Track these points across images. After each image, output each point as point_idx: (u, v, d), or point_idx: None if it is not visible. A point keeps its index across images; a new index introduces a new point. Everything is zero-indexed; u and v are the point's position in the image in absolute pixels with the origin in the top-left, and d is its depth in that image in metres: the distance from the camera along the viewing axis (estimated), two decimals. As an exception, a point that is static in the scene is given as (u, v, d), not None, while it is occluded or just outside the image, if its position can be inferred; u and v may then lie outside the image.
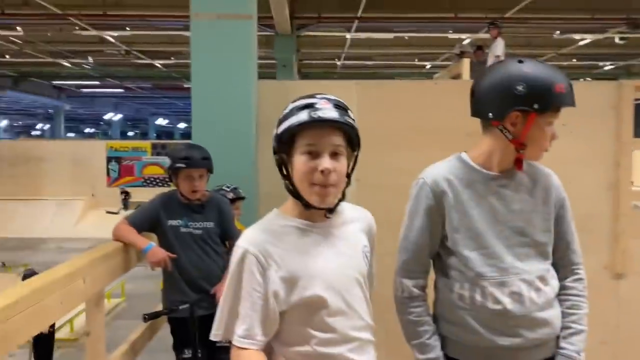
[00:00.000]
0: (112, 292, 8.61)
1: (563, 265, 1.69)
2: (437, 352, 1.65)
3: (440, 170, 1.66)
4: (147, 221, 2.79)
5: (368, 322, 1.44)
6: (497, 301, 1.57)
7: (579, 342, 1.64)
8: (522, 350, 1.59)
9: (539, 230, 1.63)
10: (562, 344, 1.64)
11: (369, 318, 1.45)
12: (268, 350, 1.40)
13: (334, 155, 1.35)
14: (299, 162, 1.35)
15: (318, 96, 1.36)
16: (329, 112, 1.33)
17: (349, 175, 1.41)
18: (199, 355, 2.72)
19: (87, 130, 45.75)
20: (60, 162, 17.34)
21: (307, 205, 1.37)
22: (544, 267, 1.64)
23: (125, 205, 16.33)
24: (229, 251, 2.87)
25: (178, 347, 2.84)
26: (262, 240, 1.37)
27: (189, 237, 2.79)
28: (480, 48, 10.21)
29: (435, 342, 1.66)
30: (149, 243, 2.68)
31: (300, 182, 1.36)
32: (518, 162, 1.61)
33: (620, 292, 3.57)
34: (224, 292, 1.40)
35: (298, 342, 1.37)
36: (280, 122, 1.37)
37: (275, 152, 1.40)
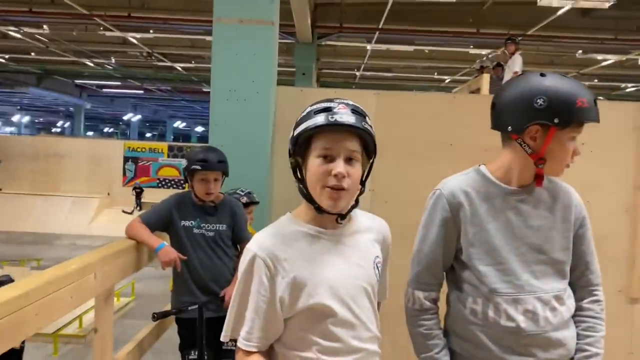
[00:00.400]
0: (122, 291, 8.67)
1: (581, 285, 1.66)
2: (447, 366, 1.62)
3: (458, 182, 1.63)
4: (161, 220, 2.80)
5: (375, 333, 1.42)
6: (510, 318, 1.54)
7: None
8: (534, 370, 1.55)
9: (557, 248, 1.60)
10: (576, 366, 1.60)
11: (375, 329, 1.43)
12: (270, 352, 1.39)
13: (349, 160, 1.34)
14: (314, 164, 1.34)
15: (336, 100, 1.36)
16: (346, 116, 1.32)
17: (363, 182, 1.40)
18: (205, 357, 2.71)
19: (106, 129, 46.32)
20: (78, 159, 17.55)
21: (319, 210, 1.36)
22: (561, 286, 1.60)
23: (139, 205, 16.45)
24: (239, 254, 2.87)
25: (184, 348, 2.83)
26: (272, 244, 1.36)
27: (201, 238, 2.80)
28: (499, 64, 10.16)
29: (444, 356, 1.63)
30: (161, 242, 2.69)
31: (313, 185, 1.35)
32: (538, 178, 1.58)
33: (635, 317, 3.50)
34: (233, 294, 1.40)
35: (300, 347, 1.35)
36: (297, 124, 1.37)
37: (290, 155, 1.40)
